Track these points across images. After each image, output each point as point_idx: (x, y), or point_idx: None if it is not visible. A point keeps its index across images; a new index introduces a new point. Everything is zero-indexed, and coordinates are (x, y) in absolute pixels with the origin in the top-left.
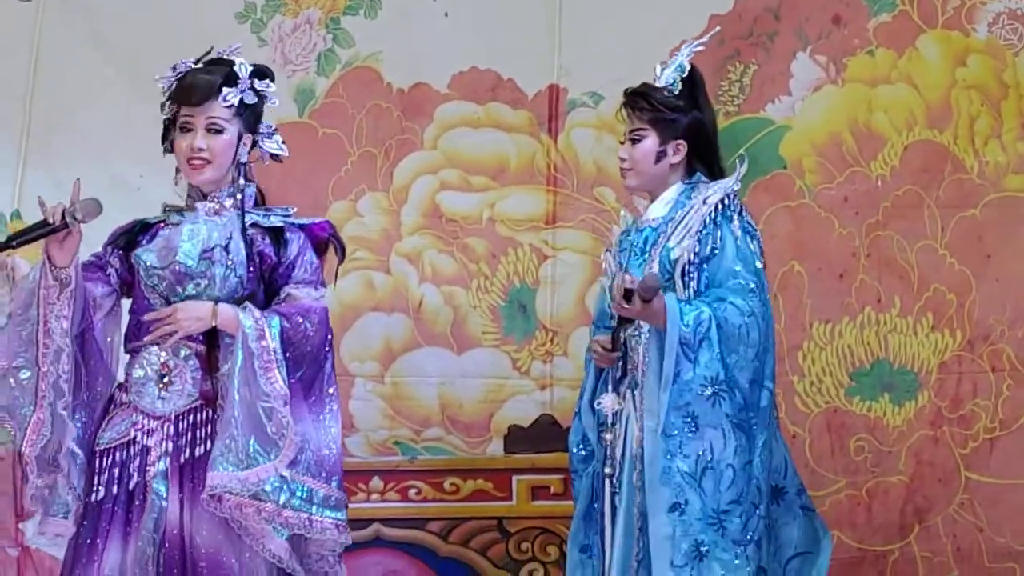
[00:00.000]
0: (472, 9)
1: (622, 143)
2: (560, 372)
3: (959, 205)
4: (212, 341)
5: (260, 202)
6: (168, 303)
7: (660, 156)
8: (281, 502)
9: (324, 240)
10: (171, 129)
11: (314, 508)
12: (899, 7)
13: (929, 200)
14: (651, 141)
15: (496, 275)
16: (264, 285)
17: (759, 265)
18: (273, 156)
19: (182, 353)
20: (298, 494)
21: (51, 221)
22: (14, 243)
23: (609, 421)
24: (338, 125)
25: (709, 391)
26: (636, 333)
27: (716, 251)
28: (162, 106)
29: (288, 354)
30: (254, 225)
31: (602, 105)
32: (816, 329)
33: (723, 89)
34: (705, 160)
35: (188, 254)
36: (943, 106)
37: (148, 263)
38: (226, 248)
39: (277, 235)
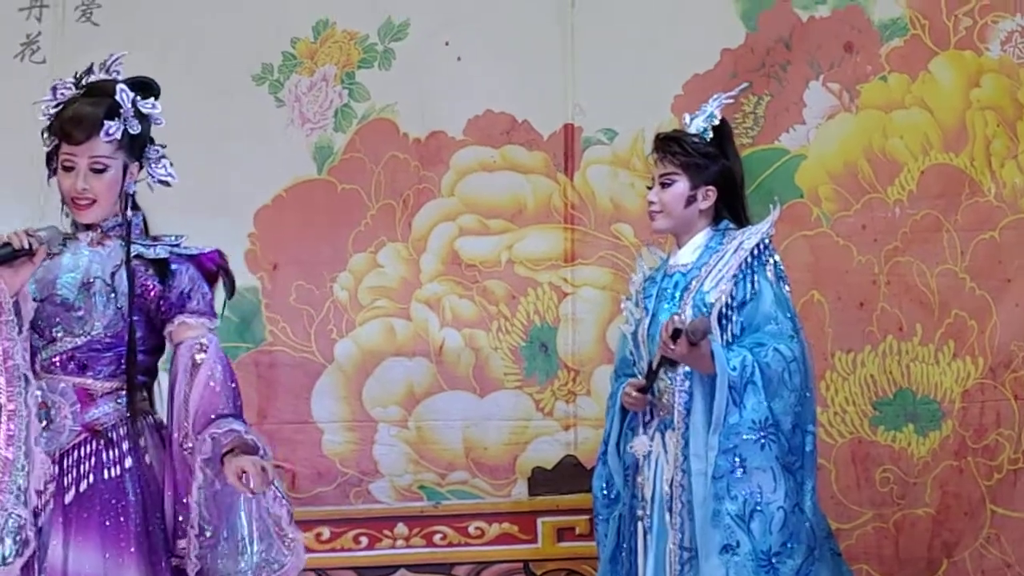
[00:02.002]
0: (485, 52)
1: (650, 187)
2: (583, 412)
3: (978, 228)
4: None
5: (145, 231)
6: (44, 337)
7: (690, 200)
8: None
9: (213, 272)
10: (53, 159)
11: None
12: (911, 31)
13: (948, 224)
14: (682, 185)
15: (516, 316)
16: (146, 317)
17: (795, 309)
18: (161, 182)
19: (59, 387)
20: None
21: (17, 245)
22: None
23: (641, 464)
24: (357, 180)
25: (757, 435)
26: (668, 376)
27: (752, 296)
28: (42, 133)
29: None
30: (138, 256)
31: (616, 141)
32: (838, 359)
33: (737, 121)
34: (732, 208)
35: (67, 285)
36: (958, 129)
37: (30, 295)
38: (109, 280)
39: (162, 266)
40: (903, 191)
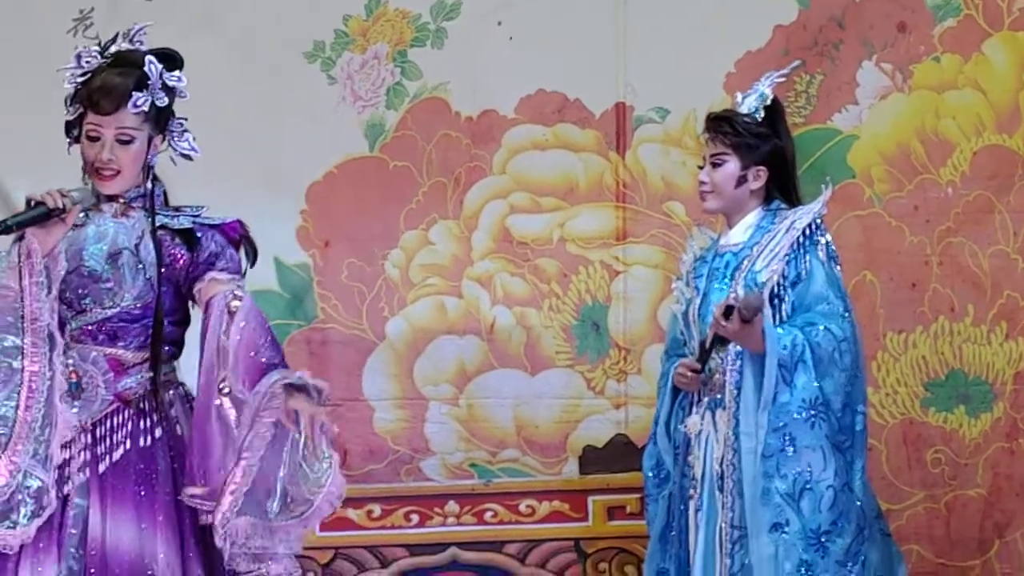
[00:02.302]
0: (536, 31)
1: (701, 167)
2: (634, 390)
3: None
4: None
5: (166, 202)
6: (73, 308)
7: (741, 180)
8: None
9: (235, 241)
10: (76, 127)
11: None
12: (964, 11)
13: (1000, 205)
14: (733, 165)
15: (568, 294)
16: (175, 287)
17: (846, 289)
18: (184, 156)
19: (91, 356)
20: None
21: (52, 205)
22: (13, 226)
23: (692, 443)
24: (408, 157)
25: (807, 413)
26: (720, 355)
27: (804, 275)
28: (66, 100)
29: None
30: (163, 227)
31: (668, 119)
32: (889, 339)
33: (789, 100)
34: (783, 188)
35: (94, 256)
36: (1011, 109)
37: (61, 257)
38: (135, 251)
39: (187, 236)
40: (956, 172)
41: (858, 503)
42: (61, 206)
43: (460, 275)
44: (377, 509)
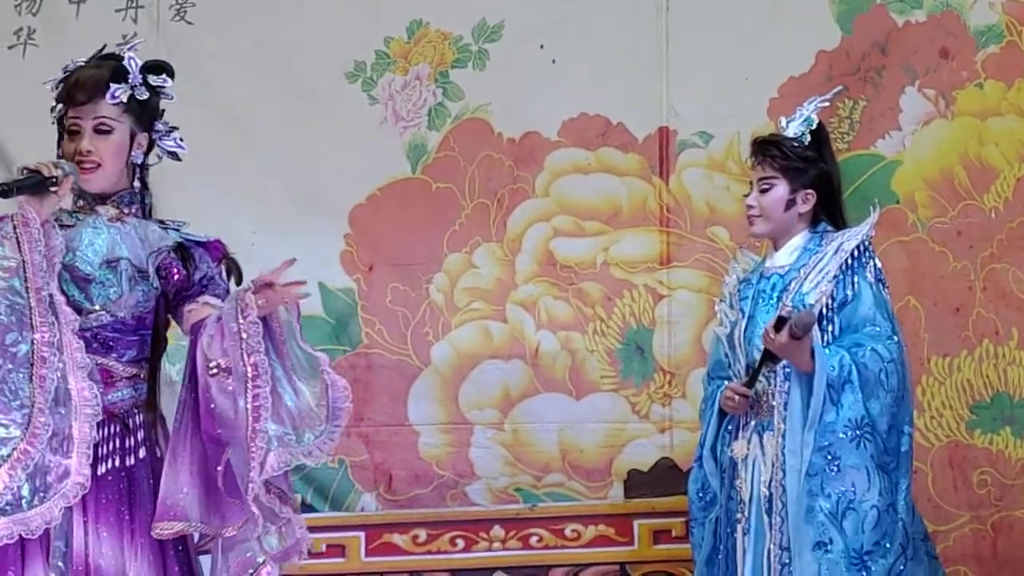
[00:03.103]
0: (579, 55)
1: (747, 195)
2: (679, 414)
3: None
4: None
5: (151, 213)
6: (79, 311)
7: (789, 204)
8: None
9: (216, 259)
10: (62, 133)
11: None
12: (1007, 38)
13: None
14: (781, 189)
15: (612, 318)
16: (165, 302)
17: (893, 311)
18: (171, 154)
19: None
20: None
21: (47, 173)
22: (11, 189)
23: (739, 466)
24: (451, 179)
25: (853, 433)
26: (767, 377)
27: (852, 297)
28: (52, 109)
29: None
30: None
31: (712, 144)
32: (934, 363)
33: (833, 126)
34: (830, 211)
35: (87, 260)
36: None
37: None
38: (133, 259)
39: (180, 250)
40: (999, 198)
41: (901, 523)
42: (55, 175)
43: (504, 299)
44: (423, 534)
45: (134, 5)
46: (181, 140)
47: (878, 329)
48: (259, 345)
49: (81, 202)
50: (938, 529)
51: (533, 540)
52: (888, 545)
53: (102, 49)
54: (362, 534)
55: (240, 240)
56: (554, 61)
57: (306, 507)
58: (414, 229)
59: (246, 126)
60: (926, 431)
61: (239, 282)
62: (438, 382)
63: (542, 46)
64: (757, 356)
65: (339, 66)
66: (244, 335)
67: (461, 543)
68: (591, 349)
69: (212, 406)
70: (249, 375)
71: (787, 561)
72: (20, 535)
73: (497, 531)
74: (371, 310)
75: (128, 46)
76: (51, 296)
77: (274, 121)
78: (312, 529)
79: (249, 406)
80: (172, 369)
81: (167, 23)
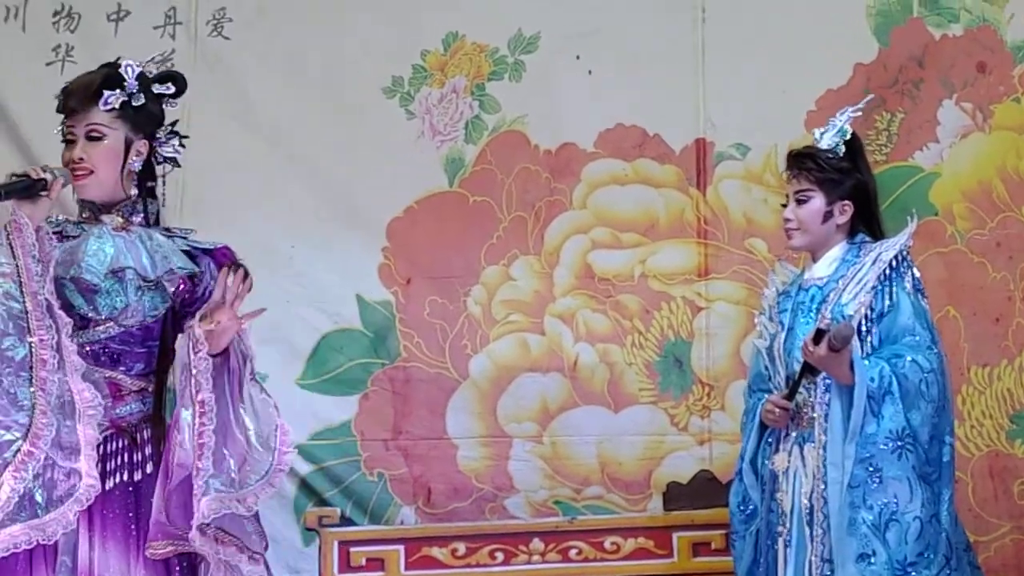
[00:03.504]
0: (615, 66)
1: (784, 205)
2: (718, 427)
3: None
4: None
5: (157, 222)
6: (74, 324)
7: (827, 216)
8: (251, 544)
9: (226, 267)
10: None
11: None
12: None
13: None
14: (818, 201)
15: (650, 330)
16: (171, 311)
17: (932, 321)
18: (168, 159)
19: (93, 377)
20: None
21: (35, 176)
22: (1, 196)
23: (779, 479)
24: (488, 192)
25: (894, 445)
26: (808, 389)
27: (891, 308)
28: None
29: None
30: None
31: (749, 156)
32: (974, 373)
33: (870, 138)
34: (867, 222)
35: (93, 269)
36: None
37: (56, 275)
38: (139, 268)
39: (188, 258)
40: None
41: (944, 534)
42: (44, 178)
43: (542, 312)
44: (462, 548)
45: (172, 21)
46: (182, 145)
47: (917, 339)
48: (207, 382)
49: (87, 213)
50: (979, 539)
51: (572, 553)
52: (932, 556)
53: (117, 60)
54: (401, 547)
55: (278, 254)
56: (590, 72)
57: (345, 520)
58: (452, 242)
59: (284, 141)
60: (966, 441)
61: (248, 290)
62: (476, 395)
63: (578, 57)
64: (797, 368)
65: (377, 81)
66: (193, 371)
67: (500, 556)
68: (629, 362)
69: (175, 432)
70: (196, 412)
71: (828, 573)
72: (37, 542)
73: (536, 544)
74: (409, 323)
75: (161, 61)
76: (47, 300)
77: (312, 136)
78: (351, 543)
79: (194, 443)
80: None
81: (205, 39)
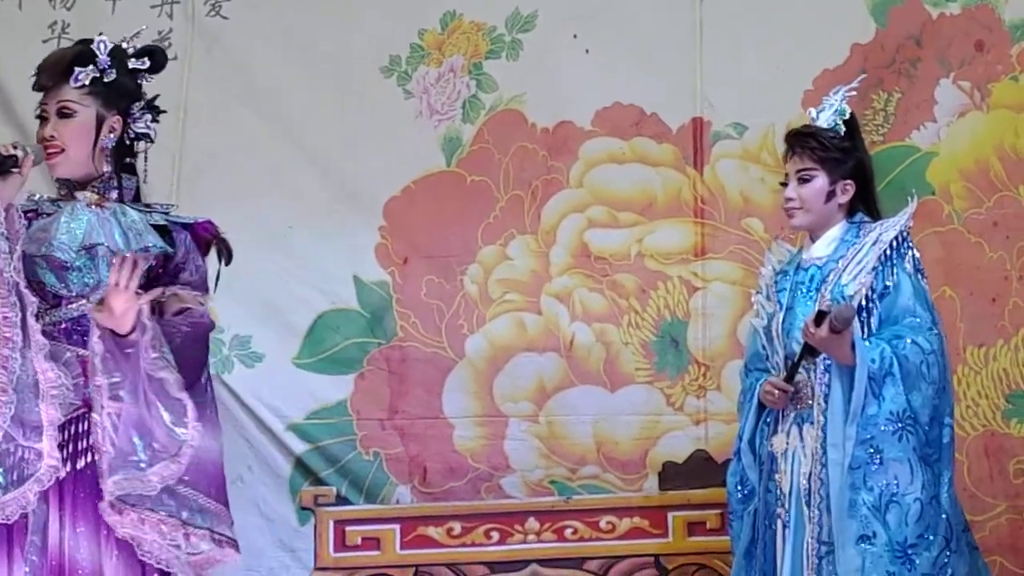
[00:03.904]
0: (613, 44)
1: (783, 184)
2: (714, 407)
3: None
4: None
5: (138, 197)
6: (46, 300)
7: (830, 196)
8: (184, 518)
9: (207, 241)
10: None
11: (202, 522)
12: None
13: None
14: (821, 181)
15: (647, 310)
16: (145, 286)
17: (932, 302)
18: (141, 135)
19: (63, 357)
20: (194, 509)
21: (5, 153)
22: None
23: (778, 460)
24: (485, 171)
25: (895, 426)
26: (807, 370)
27: (891, 288)
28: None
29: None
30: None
31: (746, 135)
32: (970, 353)
33: (867, 118)
34: (865, 200)
35: (64, 246)
36: None
37: (28, 253)
38: (111, 244)
39: (162, 233)
40: None
41: (945, 516)
42: (15, 155)
43: (539, 291)
44: (457, 527)
45: (170, 1)
46: (155, 120)
47: (918, 320)
48: (103, 366)
49: (63, 190)
50: (974, 519)
51: (568, 532)
52: (932, 538)
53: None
54: (397, 526)
55: (276, 233)
56: (587, 51)
57: (341, 499)
58: (449, 222)
59: (282, 121)
60: (962, 420)
61: (228, 263)
62: (473, 374)
63: (575, 36)
64: (796, 348)
65: (374, 60)
66: (93, 356)
67: (496, 535)
68: (626, 341)
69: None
70: (97, 395)
71: (824, 554)
72: None
73: (532, 523)
74: (406, 303)
75: (135, 35)
76: (13, 278)
77: (310, 115)
78: (347, 522)
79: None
80: None
81: (202, 18)
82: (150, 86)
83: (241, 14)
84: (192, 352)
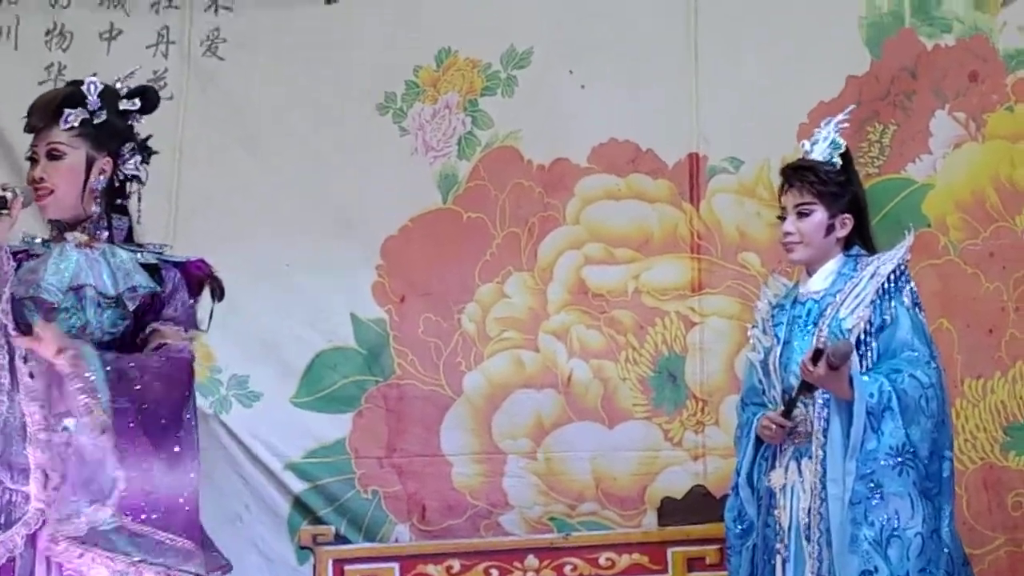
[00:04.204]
0: (609, 80)
1: (781, 218)
2: (712, 442)
3: None
4: None
5: (130, 237)
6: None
7: (829, 229)
8: (133, 556)
9: (200, 279)
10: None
11: (163, 560)
12: None
13: None
14: (820, 215)
15: (644, 346)
16: (135, 320)
17: (931, 335)
18: (131, 177)
19: None
20: (145, 547)
21: None
22: None
23: (777, 495)
24: (482, 208)
25: (894, 460)
26: (805, 404)
27: (889, 322)
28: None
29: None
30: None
31: (742, 170)
32: (968, 385)
33: (863, 150)
34: (861, 234)
35: (52, 287)
36: None
37: (16, 295)
38: (98, 285)
39: (151, 272)
40: None
41: (945, 550)
42: (4, 196)
43: (536, 328)
44: (456, 564)
45: (165, 40)
46: (144, 162)
47: (916, 354)
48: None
49: (55, 232)
50: (973, 552)
51: (567, 569)
52: (933, 572)
53: (130, 74)
54: (396, 565)
55: (274, 271)
56: (583, 86)
57: (340, 538)
58: (446, 260)
59: (278, 159)
60: (960, 453)
61: (220, 299)
62: (471, 412)
63: (571, 72)
64: (793, 382)
65: (370, 98)
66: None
67: (495, 573)
68: (623, 377)
69: None
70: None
71: None
72: None
73: (531, 561)
74: (403, 341)
75: (129, 75)
76: (1, 320)
77: (306, 153)
78: (346, 560)
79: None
80: (205, 402)
81: (198, 59)
82: (145, 127)
83: (237, 54)
84: (167, 387)
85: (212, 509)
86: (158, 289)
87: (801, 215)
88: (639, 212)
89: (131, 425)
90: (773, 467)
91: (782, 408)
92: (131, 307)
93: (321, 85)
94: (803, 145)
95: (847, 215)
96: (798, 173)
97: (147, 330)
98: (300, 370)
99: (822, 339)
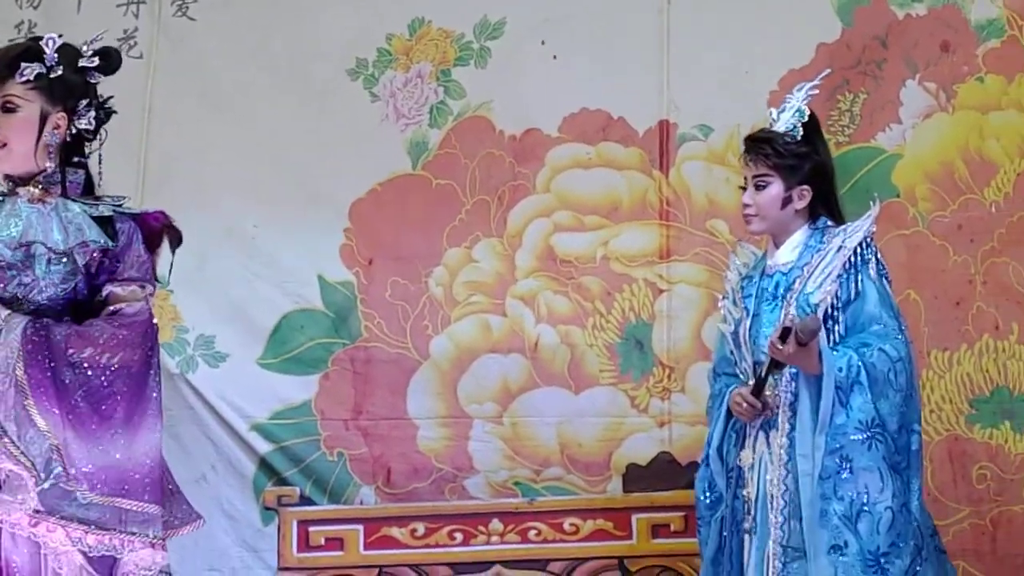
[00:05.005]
0: (580, 50)
1: (742, 188)
2: (678, 409)
3: None
4: None
5: (89, 190)
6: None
7: (786, 202)
8: (91, 523)
9: (157, 231)
10: None
11: (123, 527)
12: (1008, 32)
13: None
14: (776, 187)
15: (612, 312)
16: (88, 277)
17: (898, 308)
18: (83, 132)
19: None
20: (104, 513)
21: None
22: None
23: (745, 472)
24: (452, 175)
25: (863, 435)
26: (774, 378)
27: (857, 295)
28: None
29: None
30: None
31: (712, 137)
32: (934, 357)
33: (833, 119)
34: (827, 203)
35: (2, 241)
36: None
37: None
38: (47, 241)
39: (105, 226)
40: (999, 192)
41: (915, 523)
42: None
43: (504, 293)
44: (421, 528)
45: (136, 0)
46: (98, 118)
47: (884, 327)
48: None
49: (9, 186)
50: (938, 523)
51: (531, 534)
52: (903, 546)
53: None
54: (360, 527)
55: (242, 233)
56: (555, 57)
57: (305, 500)
58: (414, 224)
59: (248, 121)
60: (926, 425)
61: (177, 246)
62: (437, 376)
63: (543, 42)
64: (763, 356)
65: (341, 63)
66: None
67: (460, 537)
68: (590, 343)
69: None
70: None
71: (786, 560)
72: None
73: (496, 525)
74: (370, 303)
75: (96, 38)
76: None
77: (276, 117)
78: (311, 522)
79: None
80: (171, 362)
81: (169, 19)
82: (113, 87)
83: (208, 15)
84: (125, 355)
85: (177, 469)
86: (111, 244)
87: (758, 187)
88: (609, 180)
89: (89, 397)
90: (743, 447)
91: (753, 381)
92: (81, 262)
93: (292, 49)
94: (771, 112)
95: (805, 187)
96: (755, 145)
97: (104, 292)
98: (267, 331)
99: (790, 317)
